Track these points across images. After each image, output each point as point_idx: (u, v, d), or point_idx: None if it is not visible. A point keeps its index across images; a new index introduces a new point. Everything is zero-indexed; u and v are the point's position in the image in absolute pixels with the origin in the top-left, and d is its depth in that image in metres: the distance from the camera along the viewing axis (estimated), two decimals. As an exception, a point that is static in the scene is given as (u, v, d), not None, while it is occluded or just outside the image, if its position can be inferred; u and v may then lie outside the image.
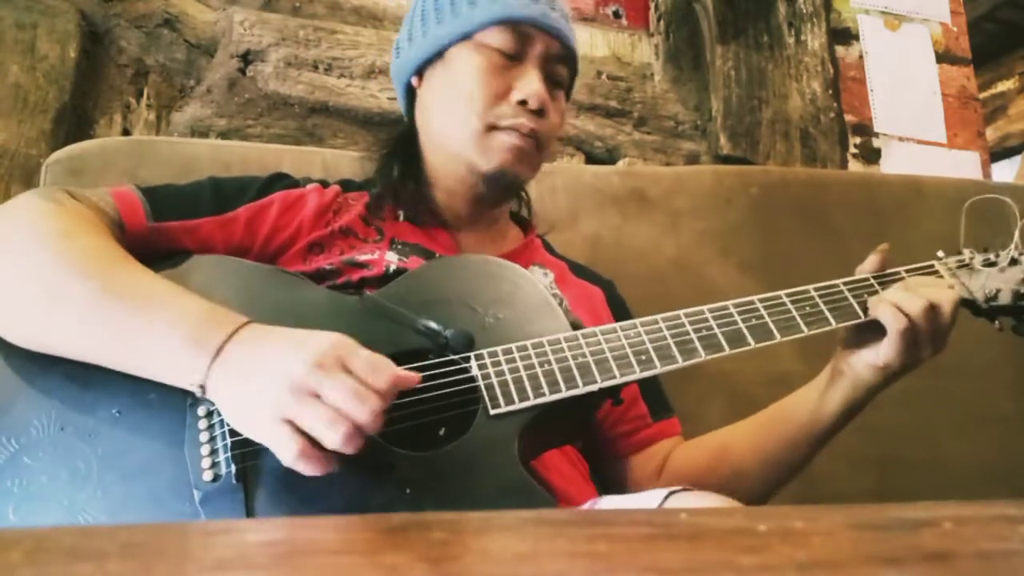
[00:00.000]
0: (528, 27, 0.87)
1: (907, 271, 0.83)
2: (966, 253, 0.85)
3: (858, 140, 1.79)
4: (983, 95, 3.59)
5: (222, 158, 1.14)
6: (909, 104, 1.85)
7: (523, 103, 0.85)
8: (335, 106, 1.46)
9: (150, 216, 0.79)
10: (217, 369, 0.61)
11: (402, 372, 0.62)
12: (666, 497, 0.53)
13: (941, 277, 0.82)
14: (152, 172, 1.09)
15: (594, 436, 0.92)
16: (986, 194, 0.88)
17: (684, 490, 0.55)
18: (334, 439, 0.56)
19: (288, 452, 0.57)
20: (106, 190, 0.80)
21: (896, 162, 1.80)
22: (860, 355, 0.79)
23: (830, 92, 1.75)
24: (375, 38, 1.52)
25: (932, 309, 0.74)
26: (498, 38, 0.87)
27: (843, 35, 1.85)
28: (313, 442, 0.58)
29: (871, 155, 1.80)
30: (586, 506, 0.61)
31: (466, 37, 0.88)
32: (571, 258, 1.04)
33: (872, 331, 0.77)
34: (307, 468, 0.58)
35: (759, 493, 0.86)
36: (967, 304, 0.81)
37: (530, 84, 0.86)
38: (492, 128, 0.86)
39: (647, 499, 0.54)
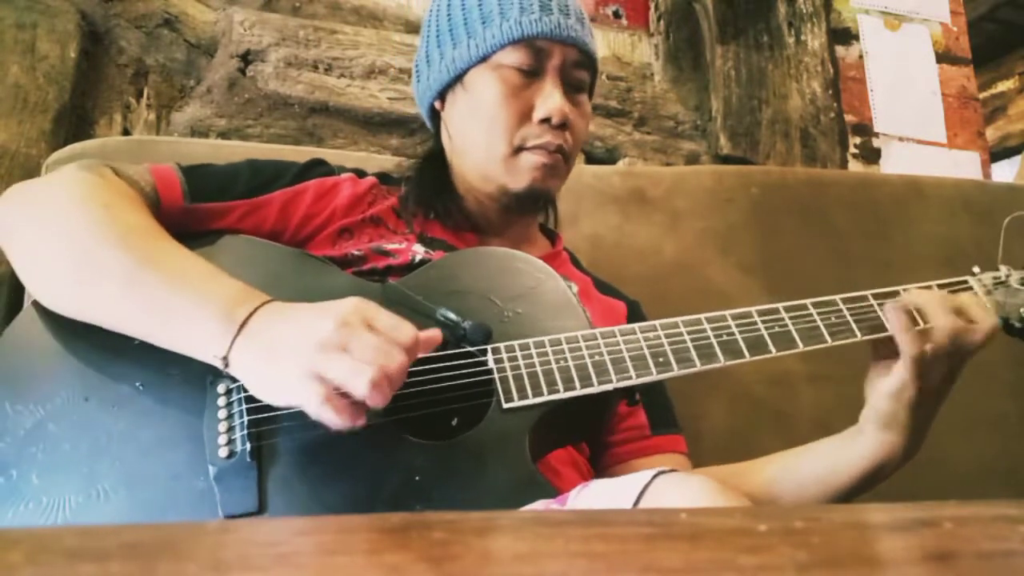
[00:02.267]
0: (543, 41, 0.87)
1: (939, 285, 0.80)
2: (1003, 270, 0.83)
3: (858, 140, 1.79)
4: (983, 95, 3.59)
5: (222, 158, 1.14)
6: (909, 104, 1.85)
7: (546, 120, 0.86)
8: (335, 106, 1.46)
9: (187, 196, 0.81)
10: (240, 342, 0.62)
11: (424, 332, 0.63)
12: (652, 478, 0.53)
13: (975, 293, 0.79)
14: (165, 164, 1.09)
15: (592, 442, 0.90)
16: (991, 196, 0.87)
17: (671, 471, 0.54)
18: (362, 385, 0.57)
19: (314, 399, 0.58)
20: (146, 167, 0.81)
21: (896, 162, 1.80)
22: (878, 389, 0.75)
23: (830, 92, 1.75)
24: (375, 38, 1.52)
25: (956, 321, 0.71)
26: (514, 57, 0.86)
27: (843, 35, 1.85)
28: (341, 394, 0.59)
29: (871, 155, 1.80)
30: (576, 489, 0.61)
31: (483, 60, 0.88)
32: (597, 275, 1.03)
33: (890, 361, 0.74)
34: (334, 416, 0.59)
35: None
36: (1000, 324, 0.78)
37: (550, 100, 0.86)
38: (519, 150, 0.87)
39: (633, 480, 0.54)
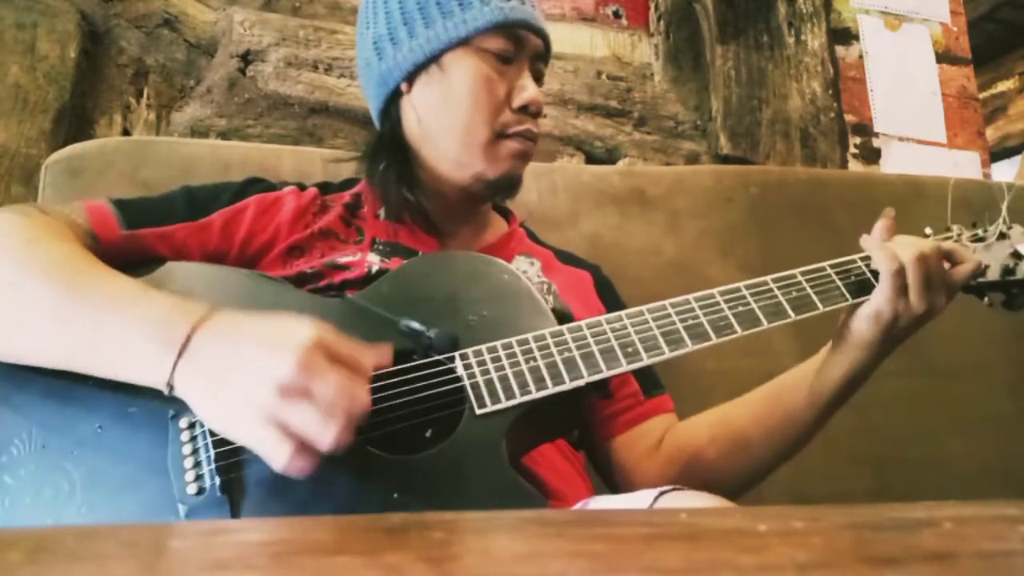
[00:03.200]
0: (521, 29, 0.87)
1: None
2: (954, 229, 0.85)
3: (858, 140, 1.79)
4: (983, 95, 3.59)
5: (222, 158, 1.14)
6: (909, 104, 1.85)
7: (523, 108, 0.86)
8: (335, 106, 1.46)
9: (123, 224, 0.78)
10: (184, 366, 0.59)
11: (377, 352, 0.61)
12: (656, 497, 0.53)
13: None
14: (152, 172, 1.09)
15: (586, 421, 0.91)
16: (974, 179, 0.88)
17: (675, 489, 0.54)
18: (330, 436, 0.55)
19: (281, 455, 0.55)
20: (79, 204, 0.79)
21: (896, 162, 1.80)
22: (856, 313, 0.77)
23: (830, 92, 1.75)
24: (375, 38, 1.52)
25: (923, 256, 0.74)
26: (494, 43, 0.86)
27: (843, 35, 1.85)
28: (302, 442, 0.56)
29: (871, 155, 1.80)
30: (577, 506, 0.61)
31: (463, 42, 0.86)
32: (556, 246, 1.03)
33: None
34: (300, 469, 0.56)
35: (761, 465, 0.85)
36: None
37: (528, 89, 0.87)
38: (499, 136, 0.86)
39: (637, 499, 0.54)
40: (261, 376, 0.56)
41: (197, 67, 1.43)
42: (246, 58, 1.43)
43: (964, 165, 1.85)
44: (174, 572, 0.25)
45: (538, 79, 0.91)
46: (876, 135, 1.81)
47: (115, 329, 0.62)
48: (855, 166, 1.76)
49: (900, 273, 0.73)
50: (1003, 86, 4.27)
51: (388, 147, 0.92)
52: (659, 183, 1.35)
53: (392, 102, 0.92)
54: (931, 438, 1.26)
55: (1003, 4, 3.73)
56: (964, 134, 1.88)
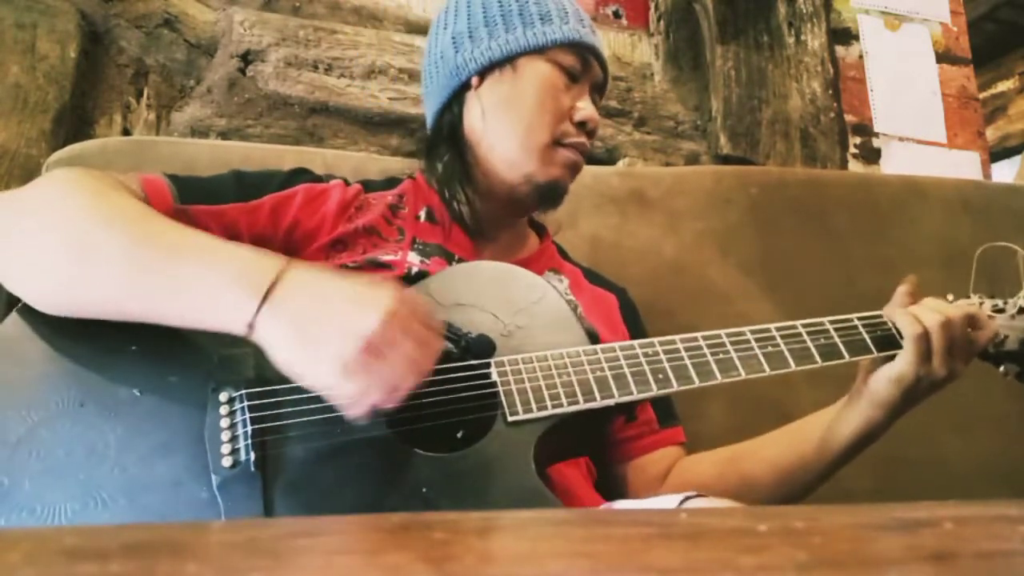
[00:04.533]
0: (591, 54, 0.93)
1: None
2: (974, 298, 0.87)
3: (858, 140, 1.79)
4: (983, 95, 3.59)
5: (222, 159, 1.14)
6: (909, 104, 1.85)
7: (582, 124, 0.91)
8: (335, 106, 1.45)
9: (176, 198, 0.79)
10: (268, 310, 0.61)
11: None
12: (682, 502, 0.54)
13: None
14: (152, 172, 1.09)
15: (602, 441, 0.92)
16: (1000, 244, 0.93)
17: (698, 495, 0.55)
18: (393, 398, 0.60)
19: (356, 405, 0.60)
20: (134, 175, 0.80)
21: (896, 162, 1.80)
22: (878, 372, 0.79)
23: (830, 92, 1.75)
24: (375, 38, 1.52)
25: (947, 323, 0.76)
26: (567, 59, 0.91)
27: (843, 35, 1.85)
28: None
29: (871, 155, 1.80)
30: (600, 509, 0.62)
31: (539, 51, 0.90)
32: (586, 264, 1.05)
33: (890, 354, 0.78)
34: (357, 413, 0.61)
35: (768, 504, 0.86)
36: None
37: (589, 107, 0.91)
38: (556, 143, 0.90)
39: (662, 504, 0.55)
40: (352, 328, 0.59)
41: (197, 67, 1.43)
42: (246, 58, 1.43)
43: (964, 165, 1.85)
44: (174, 572, 0.25)
45: (595, 107, 0.95)
46: (876, 135, 1.81)
47: (196, 273, 0.63)
48: (855, 166, 1.76)
49: (925, 337, 0.75)
50: (1003, 86, 4.27)
51: (448, 140, 0.95)
52: (658, 184, 1.35)
53: (457, 96, 0.95)
54: (931, 438, 1.26)
55: (1003, 4, 3.73)
56: (964, 134, 1.88)
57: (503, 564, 0.26)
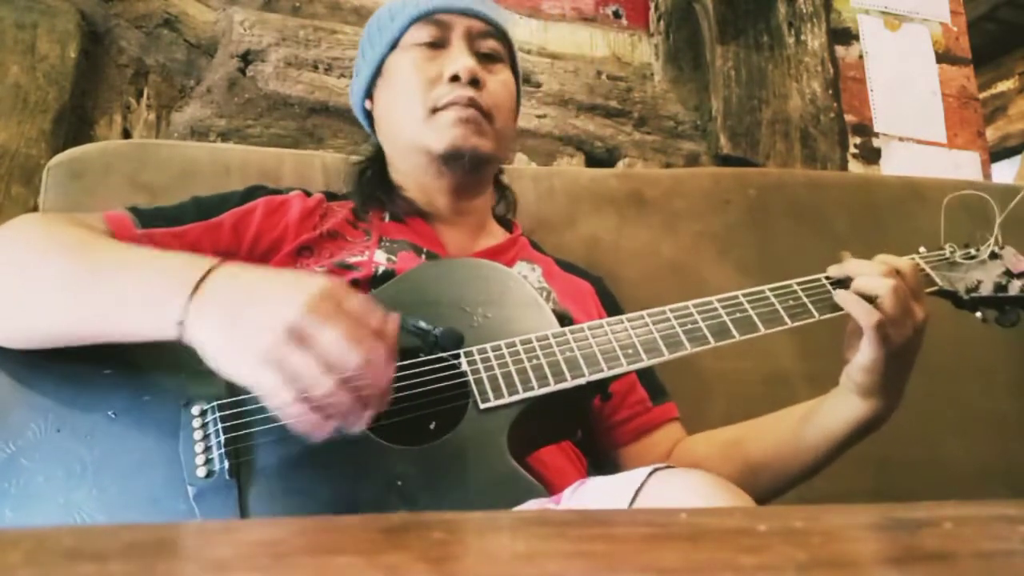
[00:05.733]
0: (442, 15, 0.93)
1: None
2: (947, 248, 0.87)
3: (858, 140, 1.79)
4: (983, 95, 3.59)
5: (223, 161, 1.15)
6: (909, 104, 1.85)
7: (455, 79, 0.90)
8: (335, 106, 1.46)
9: (138, 225, 0.81)
10: (196, 305, 0.59)
11: (383, 312, 0.61)
12: (650, 474, 0.53)
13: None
14: (153, 175, 1.09)
15: (595, 429, 0.92)
16: (968, 191, 0.91)
17: (667, 467, 0.55)
18: (323, 388, 0.56)
19: (279, 399, 0.57)
20: (98, 214, 0.82)
21: (896, 162, 1.80)
22: (848, 369, 0.80)
23: (830, 92, 1.75)
24: (375, 38, 1.52)
25: (896, 288, 0.75)
26: (418, 34, 0.93)
27: (843, 35, 1.85)
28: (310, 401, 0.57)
29: (871, 155, 1.80)
30: (571, 488, 0.62)
31: (394, 47, 0.95)
32: (562, 257, 1.05)
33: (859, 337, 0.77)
34: (306, 424, 0.58)
35: (765, 492, 0.86)
36: (948, 296, 0.83)
37: (457, 60, 0.91)
38: (435, 111, 0.90)
39: (630, 477, 0.54)
40: (272, 317, 0.57)
41: (197, 67, 1.43)
42: (246, 58, 1.43)
43: (964, 165, 1.85)
44: (174, 572, 0.25)
45: (494, 59, 0.96)
46: (876, 135, 1.81)
47: (129, 282, 0.64)
48: (855, 166, 1.76)
49: (882, 325, 0.74)
50: (1003, 86, 4.27)
51: (372, 158, 1.01)
52: (657, 185, 1.34)
53: (369, 122, 1.04)
54: (931, 438, 1.26)
55: (1003, 4, 3.73)
56: (964, 134, 1.88)
57: (503, 564, 0.26)
